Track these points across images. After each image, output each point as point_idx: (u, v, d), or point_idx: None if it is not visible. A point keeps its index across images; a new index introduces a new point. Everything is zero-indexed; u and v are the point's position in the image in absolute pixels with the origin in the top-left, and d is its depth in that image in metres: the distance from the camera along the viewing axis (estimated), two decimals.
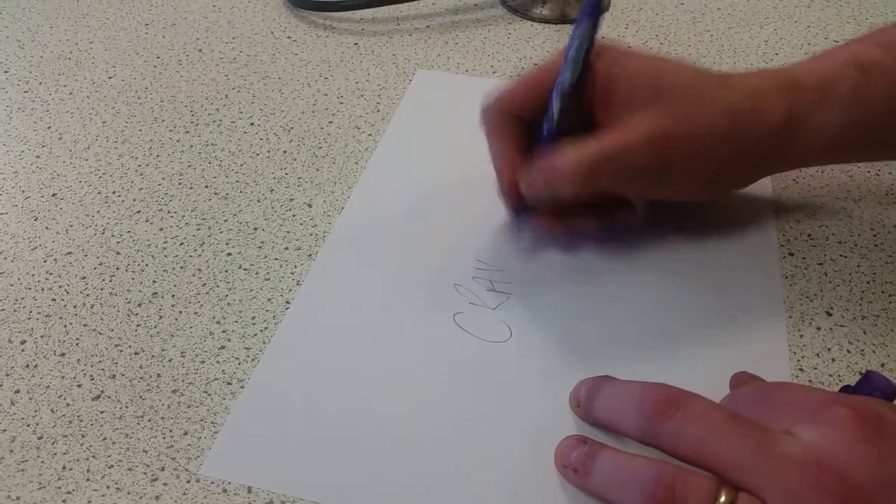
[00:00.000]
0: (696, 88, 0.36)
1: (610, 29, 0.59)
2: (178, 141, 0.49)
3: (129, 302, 0.39)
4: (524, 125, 0.38)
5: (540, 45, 0.57)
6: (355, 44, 0.58)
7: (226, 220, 0.43)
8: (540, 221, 0.40)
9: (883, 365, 0.36)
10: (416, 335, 0.37)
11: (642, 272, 0.40)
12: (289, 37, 0.59)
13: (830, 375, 0.35)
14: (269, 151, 0.48)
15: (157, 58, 0.57)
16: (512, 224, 0.42)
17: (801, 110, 0.37)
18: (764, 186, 0.44)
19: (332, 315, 0.38)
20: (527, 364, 0.36)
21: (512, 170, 0.38)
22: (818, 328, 0.37)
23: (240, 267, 0.41)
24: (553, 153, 0.35)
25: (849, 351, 0.36)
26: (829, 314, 0.38)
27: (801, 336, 0.37)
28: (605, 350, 0.36)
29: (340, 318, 0.38)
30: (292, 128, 0.50)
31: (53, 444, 0.33)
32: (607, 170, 0.35)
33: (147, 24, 0.61)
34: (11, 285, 0.40)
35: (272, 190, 0.45)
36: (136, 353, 0.36)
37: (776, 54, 0.55)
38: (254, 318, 0.38)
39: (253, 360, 0.36)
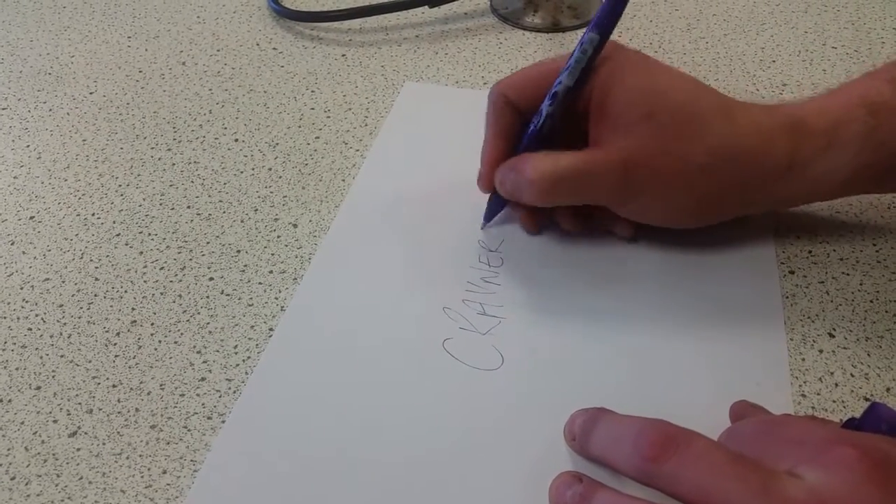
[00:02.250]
0: (691, 116, 0.35)
1: None
2: (159, 159, 0.48)
3: (107, 331, 0.38)
4: (520, 116, 0.38)
5: (532, 55, 0.56)
6: (343, 55, 0.57)
7: (208, 243, 0.42)
8: (515, 212, 0.41)
9: (888, 389, 0.35)
10: (404, 363, 0.35)
11: (638, 294, 0.38)
12: (275, 48, 0.58)
13: (834, 401, 0.34)
14: (253, 169, 0.47)
15: (140, 72, 0.56)
16: (486, 210, 0.41)
17: (807, 156, 0.36)
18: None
19: (317, 342, 0.36)
20: (519, 393, 0.34)
21: (493, 157, 0.38)
22: (820, 351, 0.36)
23: (222, 292, 0.39)
24: (525, 158, 0.36)
25: (853, 375, 0.35)
26: (832, 335, 0.37)
27: (803, 360, 0.36)
28: (601, 378, 0.35)
29: (326, 346, 0.36)
30: (278, 144, 0.49)
31: (27, 484, 0.32)
32: (571, 187, 0.36)
33: (130, 37, 0.59)
34: None
35: (256, 210, 0.44)
36: (113, 386, 0.35)
37: (773, 61, 0.54)
38: (236, 346, 0.37)
39: (234, 392, 0.35)
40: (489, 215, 0.42)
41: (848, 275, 0.39)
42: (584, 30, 0.58)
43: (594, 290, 0.39)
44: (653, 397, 0.34)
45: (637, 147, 0.35)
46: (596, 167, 0.35)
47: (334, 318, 0.37)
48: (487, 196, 0.41)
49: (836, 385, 0.35)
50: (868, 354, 0.36)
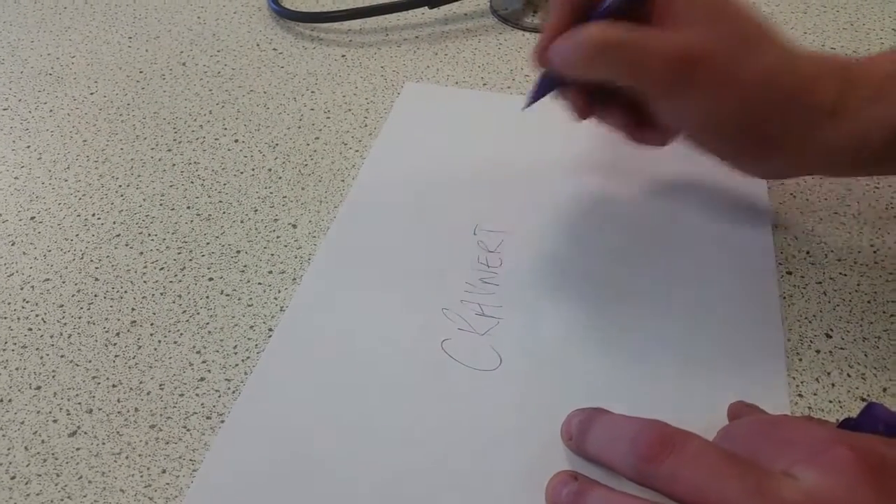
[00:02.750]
0: (756, 29, 0.33)
1: None
2: (160, 160, 0.48)
3: (107, 331, 0.38)
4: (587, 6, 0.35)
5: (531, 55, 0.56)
6: (343, 56, 0.57)
7: (208, 243, 0.42)
8: (564, 93, 0.38)
9: (885, 389, 0.35)
10: (403, 363, 0.36)
11: (635, 295, 0.39)
12: (275, 49, 0.58)
13: (830, 401, 0.34)
14: (253, 170, 0.47)
15: (140, 72, 0.56)
16: (533, 91, 0.38)
17: (853, 104, 0.33)
18: (761, 201, 0.43)
19: (316, 343, 0.37)
20: (517, 394, 0.34)
21: (555, 28, 0.35)
22: (817, 351, 0.36)
23: (221, 292, 0.39)
24: (591, 24, 0.33)
25: (849, 375, 0.35)
26: (829, 336, 0.37)
27: (801, 360, 0.36)
28: (598, 379, 0.35)
29: (325, 346, 0.36)
30: (277, 144, 0.49)
31: (27, 483, 0.32)
32: (621, 58, 0.33)
33: (130, 38, 0.60)
34: None
35: (256, 210, 0.44)
36: (113, 386, 0.35)
37: None
38: (235, 347, 0.37)
39: (234, 392, 0.35)
40: (535, 96, 0.38)
41: (845, 275, 0.39)
42: None
43: (592, 291, 0.39)
44: (650, 397, 0.34)
45: (697, 41, 0.32)
46: (651, 45, 0.32)
47: (333, 319, 0.38)
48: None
49: (833, 385, 0.35)
50: (865, 355, 0.36)
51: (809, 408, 0.34)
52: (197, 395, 0.35)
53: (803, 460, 0.25)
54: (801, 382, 0.35)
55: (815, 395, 0.34)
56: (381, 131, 0.49)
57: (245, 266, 0.41)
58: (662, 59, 0.33)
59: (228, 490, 0.31)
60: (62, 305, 0.39)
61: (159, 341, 0.37)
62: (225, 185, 0.46)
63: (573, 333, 0.37)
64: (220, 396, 0.35)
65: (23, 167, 0.48)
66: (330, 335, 0.37)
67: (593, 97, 0.37)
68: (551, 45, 0.35)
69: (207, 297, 0.39)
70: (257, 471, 0.32)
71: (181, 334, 0.37)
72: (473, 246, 0.41)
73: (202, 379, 0.35)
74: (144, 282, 0.40)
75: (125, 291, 0.40)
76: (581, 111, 0.38)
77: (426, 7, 0.59)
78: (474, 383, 0.35)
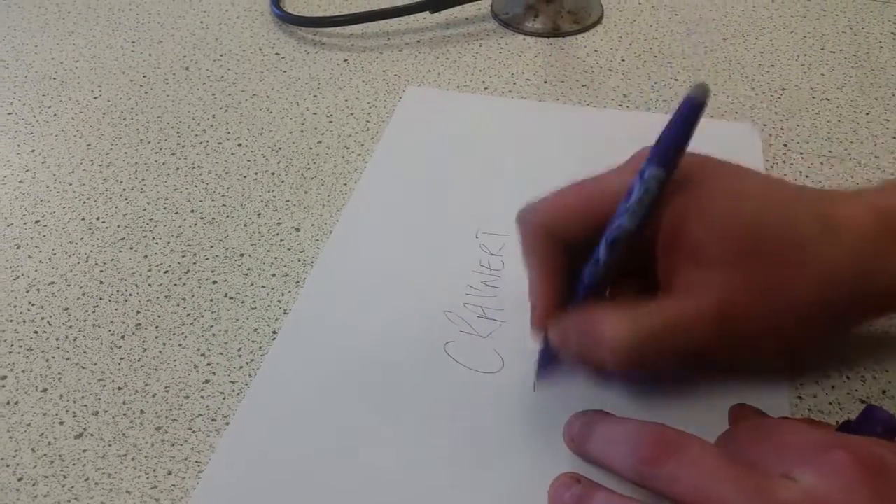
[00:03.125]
0: (792, 246, 0.29)
1: (603, 42, 0.58)
2: (163, 163, 0.48)
3: (112, 334, 0.38)
4: (565, 249, 0.32)
5: (532, 60, 0.56)
6: (345, 60, 0.57)
7: (212, 247, 0.42)
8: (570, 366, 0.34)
9: (884, 392, 0.35)
10: (405, 366, 0.36)
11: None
12: (277, 53, 0.58)
13: (830, 403, 0.34)
14: (256, 173, 0.47)
15: (144, 76, 0.56)
16: (540, 362, 0.35)
17: None
18: None
19: (320, 346, 0.37)
20: (519, 396, 0.35)
21: (546, 305, 0.32)
22: None
23: (225, 295, 0.40)
24: (596, 314, 0.30)
25: (848, 377, 0.35)
26: None
27: None
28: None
29: (328, 349, 0.37)
30: (280, 148, 0.49)
31: (34, 485, 0.32)
32: (660, 348, 0.29)
33: (133, 42, 0.60)
34: None
35: (259, 214, 0.44)
36: (119, 388, 0.36)
37: (772, 66, 0.55)
38: (239, 349, 0.37)
39: (238, 394, 0.35)
40: (546, 369, 0.34)
41: None
42: (583, 34, 0.58)
43: None
44: (652, 401, 0.34)
45: (733, 289, 0.29)
46: (687, 320, 0.29)
47: (336, 322, 0.38)
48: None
49: (833, 388, 0.35)
50: (864, 357, 0.36)
51: (809, 410, 0.34)
52: (202, 397, 0.35)
53: (802, 463, 0.25)
54: (801, 385, 0.35)
55: (814, 397, 0.35)
56: (382, 135, 0.49)
57: (249, 269, 0.41)
58: (704, 329, 0.29)
59: (233, 491, 0.31)
60: (67, 308, 0.39)
61: (164, 344, 0.37)
62: (228, 188, 0.46)
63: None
64: (224, 398, 0.35)
65: (27, 171, 0.48)
66: (333, 338, 0.37)
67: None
68: (553, 327, 0.31)
69: (212, 300, 0.39)
70: (262, 472, 0.32)
71: (186, 337, 0.38)
72: (475, 249, 0.41)
73: (207, 381, 0.36)
74: (149, 285, 0.40)
75: (130, 294, 0.40)
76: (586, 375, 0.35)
77: (428, 12, 0.59)
78: (477, 386, 0.35)
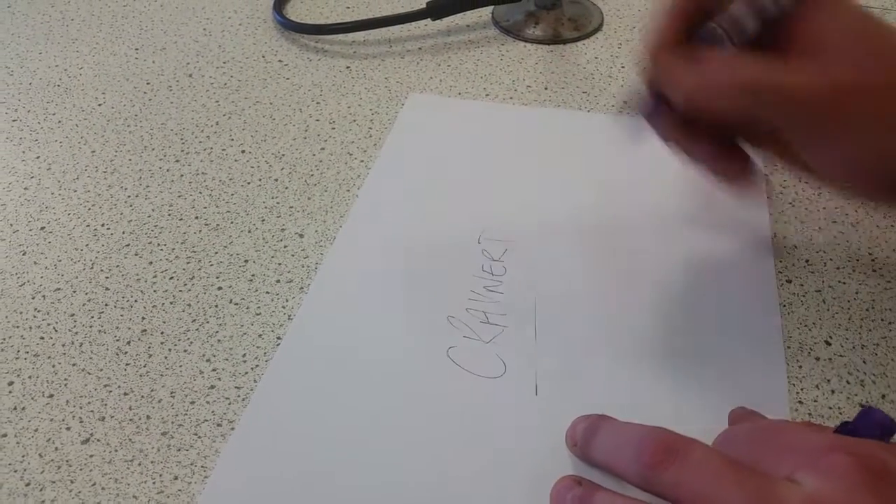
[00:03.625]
0: None
1: (603, 49, 0.58)
2: (168, 170, 0.48)
3: (118, 340, 0.38)
4: (703, 14, 0.32)
5: (533, 66, 0.56)
6: (347, 67, 0.57)
7: (216, 253, 0.43)
8: (659, 122, 0.35)
9: (884, 396, 0.35)
10: (409, 371, 0.36)
11: (639, 303, 0.39)
12: (280, 60, 0.59)
13: (830, 408, 0.35)
14: (260, 180, 0.48)
15: (147, 83, 0.56)
16: (630, 112, 0.35)
17: None
18: (761, 210, 0.44)
19: (324, 351, 0.37)
20: (522, 400, 0.35)
21: (665, 38, 0.32)
22: (817, 358, 0.37)
23: (230, 301, 0.40)
24: (710, 55, 0.31)
25: (848, 382, 0.36)
26: (829, 343, 0.37)
27: (801, 367, 0.36)
28: (602, 384, 0.36)
29: (332, 354, 0.37)
30: (284, 155, 0.49)
31: (41, 490, 0.32)
32: (766, 101, 0.30)
33: (137, 49, 0.60)
34: None
35: (263, 220, 0.45)
36: (125, 394, 0.36)
37: None
38: (244, 355, 0.37)
39: (243, 399, 0.35)
40: (648, 116, 0.35)
41: (844, 283, 0.40)
42: (584, 41, 0.59)
43: (595, 299, 0.39)
44: (653, 404, 0.35)
45: (853, 73, 0.29)
46: (802, 84, 0.29)
47: (340, 327, 0.38)
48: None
49: (833, 392, 0.35)
50: (864, 362, 0.37)
51: (809, 414, 0.35)
52: (207, 402, 0.35)
53: (804, 466, 0.25)
54: (802, 389, 0.35)
55: (815, 401, 0.35)
56: (385, 141, 0.50)
57: (253, 275, 0.41)
58: (815, 99, 0.29)
59: (238, 497, 0.32)
60: (73, 314, 0.40)
61: (170, 350, 0.38)
62: (232, 195, 0.46)
63: (577, 340, 0.37)
64: (230, 404, 0.35)
65: (32, 177, 0.48)
66: (336, 343, 0.37)
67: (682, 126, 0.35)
68: (672, 74, 0.32)
69: (216, 306, 0.40)
70: (266, 477, 0.32)
71: (191, 343, 0.38)
72: (478, 254, 0.42)
73: (212, 387, 0.36)
74: (154, 291, 0.41)
75: (135, 300, 0.40)
76: (671, 138, 0.35)
77: (429, 19, 0.59)
78: (479, 390, 0.35)
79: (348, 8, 0.64)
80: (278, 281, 0.41)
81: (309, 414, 0.35)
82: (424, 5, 0.59)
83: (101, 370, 0.37)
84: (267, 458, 0.33)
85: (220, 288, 0.41)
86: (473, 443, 0.33)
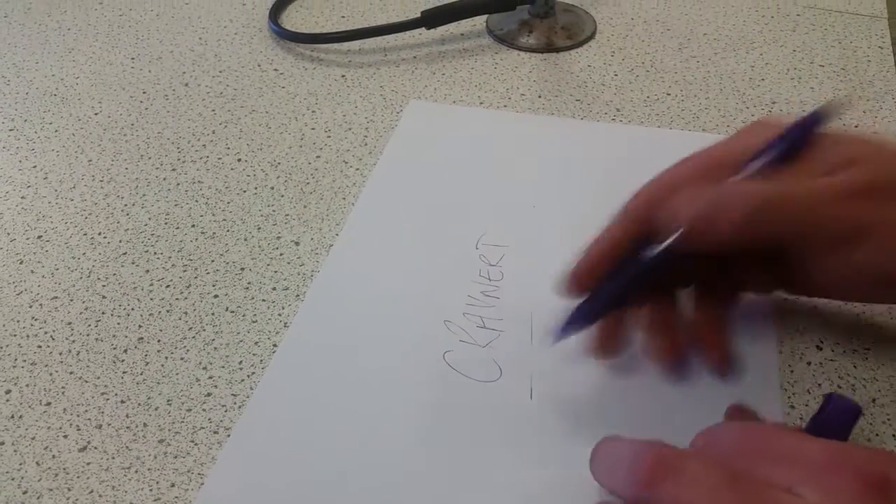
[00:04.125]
0: None
1: (596, 57, 0.59)
2: (164, 179, 0.49)
3: (115, 348, 0.39)
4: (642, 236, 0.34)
5: (526, 75, 0.57)
6: (342, 76, 0.58)
7: (212, 261, 0.43)
8: (602, 324, 0.35)
9: (874, 400, 0.36)
10: (405, 375, 0.37)
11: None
12: (276, 69, 0.59)
13: None
14: (256, 188, 0.48)
15: (144, 93, 0.57)
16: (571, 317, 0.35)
17: None
18: None
19: (320, 357, 0.37)
20: (516, 404, 0.35)
21: (600, 253, 0.34)
22: (808, 363, 0.37)
23: (226, 309, 0.40)
24: (733, 180, 0.32)
25: (840, 387, 0.36)
26: (819, 348, 0.38)
27: (792, 372, 0.37)
28: (596, 390, 0.36)
29: (328, 358, 0.37)
30: (279, 163, 0.50)
31: (39, 498, 0.33)
32: (789, 212, 0.30)
33: (133, 58, 0.61)
34: None
35: (259, 228, 0.45)
36: (122, 402, 0.36)
37: (762, 79, 0.56)
38: (241, 362, 0.38)
39: (240, 407, 0.36)
40: (571, 326, 0.34)
41: None
42: (576, 50, 0.59)
43: None
44: (646, 410, 0.35)
45: (869, 173, 0.30)
46: (821, 189, 0.30)
47: (336, 331, 0.38)
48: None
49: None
50: (854, 366, 0.37)
51: (801, 418, 0.35)
52: (204, 410, 0.36)
53: (806, 480, 0.24)
54: (794, 394, 0.36)
55: (806, 406, 0.35)
56: (385, 148, 0.50)
57: (249, 283, 0.42)
58: (836, 201, 0.30)
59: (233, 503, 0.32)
60: (70, 323, 0.40)
61: (166, 357, 0.38)
62: (228, 203, 0.47)
63: (572, 346, 0.38)
64: (226, 411, 0.35)
65: (29, 187, 0.48)
66: (333, 347, 0.38)
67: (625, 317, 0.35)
68: (682, 198, 0.32)
69: (213, 314, 0.40)
70: (262, 484, 0.32)
71: (188, 350, 0.38)
72: (476, 259, 0.42)
73: (209, 394, 0.36)
74: (151, 299, 0.41)
75: (132, 309, 0.40)
76: (616, 343, 0.35)
77: (424, 28, 0.60)
78: (474, 394, 0.36)
79: (343, 17, 0.65)
80: (274, 289, 0.41)
81: (305, 419, 0.35)
82: (419, 14, 0.59)
83: (99, 378, 0.37)
84: (262, 464, 0.33)
85: (216, 296, 0.41)
86: (469, 447, 0.34)
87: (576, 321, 0.34)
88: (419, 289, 0.41)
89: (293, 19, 0.64)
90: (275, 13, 0.64)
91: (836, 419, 0.28)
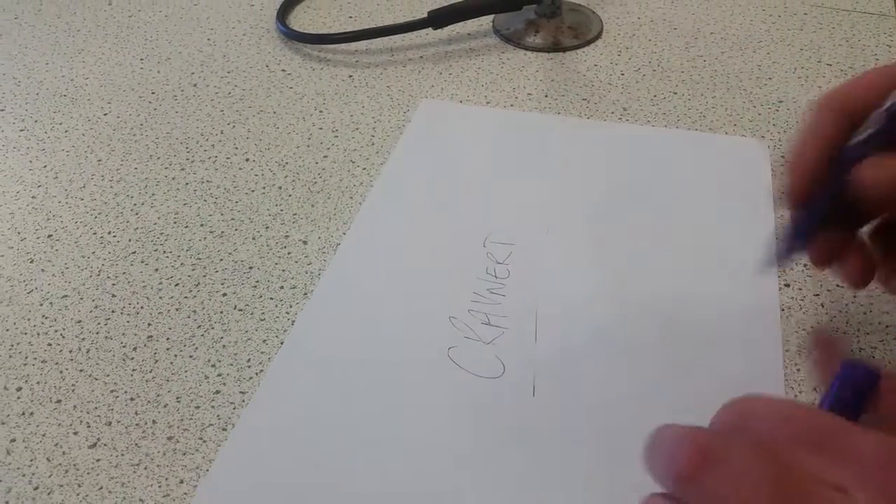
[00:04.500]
0: None
1: (602, 56, 0.59)
2: (173, 178, 0.49)
3: (124, 346, 0.39)
4: (850, 127, 0.32)
5: (533, 74, 0.57)
6: (350, 76, 0.58)
7: (221, 260, 0.43)
8: (816, 242, 0.34)
9: None
10: (410, 370, 0.37)
11: (638, 308, 0.40)
12: (283, 70, 0.59)
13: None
14: (264, 188, 0.48)
15: (153, 93, 0.57)
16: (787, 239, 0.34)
17: None
18: (764, 214, 0.44)
19: (326, 351, 0.38)
20: (519, 401, 0.36)
21: (811, 158, 0.33)
22: (816, 362, 0.37)
23: (235, 307, 0.40)
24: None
25: None
26: None
27: (798, 370, 0.37)
28: (599, 388, 0.36)
29: (333, 356, 0.37)
30: (287, 163, 0.50)
31: (49, 494, 0.33)
32: None
33: (142, 59, 0.61)
34: (7, 330, 0.40)
35: (267, 227, 0.45)
36: (131, 399, 0.36)
37: (769, 79, 0.56)
38: (249, 360, 0.38)
39: (248, 404, 0.36)
40: (790, 247, 0.34)
41: (842, 287, 0.40)
42: (583, 49, 0.59)
43: (596, 302, 0.40)
44: (650, 407, 0.35)
45: None
46: None
47: (342, 328, 0.39)
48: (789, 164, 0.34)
49: None
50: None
51: None
52: (212, 407, 0.36)
53: (856, 478, 0.23)
54: (800, 392, 0.36)
55: (812, 403, 0.35)
56: (395, 146, 0.50)
57: (257, 281, 0.42)
58: None
59: (235, 498, 0.32)
60: (80, 321, 0.40)
61: (175, 355, 0.38)
62: (237, 202, 0.47)
63: (577, 342, 0.38)
64: (234, 408, 0.36)
65: (40, 186, 0.49)
66: (338, 341, 0.38)
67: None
68: (864, 175, 0.30)
69: (221, 312, 0.40)
70: (264, 478, 0.33)
71: (196, 348, 0.38)
72: (483, 257, 0.42)
73: (217, 392, 0.37)
74: (160, 297, 0.41)
75: (141, 307, 0.41)
76: (827, 258, 0.34)
77: (431, 28, 0.60)
78: (478, 390, 0.36)
79: (351, 17, 0.65)
80: (282, 287, 0.42)
81: (309, 413, 0.35)
82: (426, 14, 0.59)
83: (108, 376, 0.38)
84: (265, 459, 0.33)
85: (224, 294, 0.41)
86: (470, 442, 0.34)
87: (798, 234, 0.33)
88: (426, 285, 0.41)
89: (301, 20, 0.65)
90: (282, 14, 0.64)
91: (851, 392, 0.27)
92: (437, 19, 0.60)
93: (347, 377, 0.37)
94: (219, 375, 0.37)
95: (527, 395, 0.36)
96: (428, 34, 0.62)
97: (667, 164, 0.48)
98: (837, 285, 0.41)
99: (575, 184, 0.47)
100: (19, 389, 0.37)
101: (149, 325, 0.40)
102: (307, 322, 0.39)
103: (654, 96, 0.54)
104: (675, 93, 0.54)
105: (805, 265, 0.42)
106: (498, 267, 0.42)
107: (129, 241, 0.45)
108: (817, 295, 0.40)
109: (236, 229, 0.45)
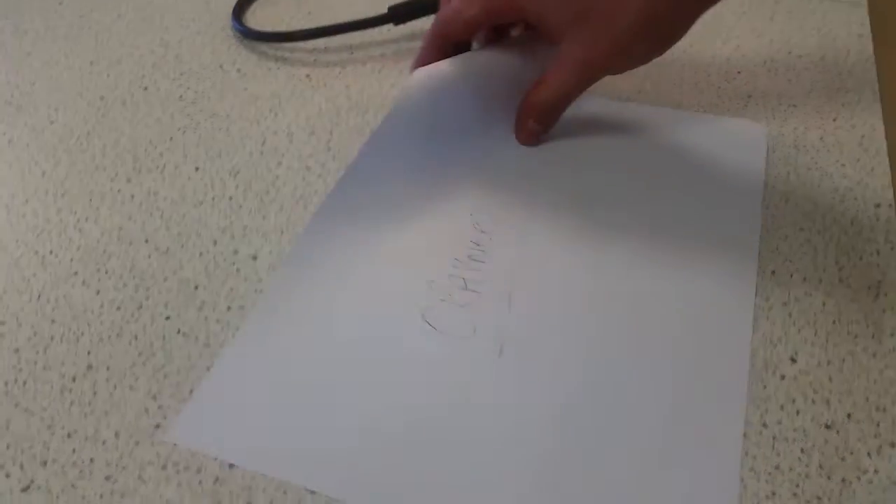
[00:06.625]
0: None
1: None
2: (119, 191, 0.47)
3: (62, 376, 0.37)
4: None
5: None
6: (307, 75, 0.56)
7: (165, 279, 0.41)
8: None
9: (849, 416, 0.34)
10: (381, 330, 0.38)
11: (616, 279, 0.40)
12: (238, 70, 0.57)
13: (795, 430, 0.34)
14: (213, 199, 0.46)
15: (101, 98, 0.55)
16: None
17: None
18: (755, 217, 0.43)
19: (298, 313, 0.39)
20: (484, 360, 0.36)
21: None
22: (782, 377, 0.36)
23: (178, 332, 0.39)
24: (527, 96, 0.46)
25: (814, 401, 0.35)
26: (794, 360, 0.36)
27: (765, 387, 0.35)
28: (562, 355, 0.37)
29: (306, 317, 0.39)
30: (239, 171, 0.48)
31: None
32: (579, 88, 0.45)
33: (92, 62, 0.59)
34: None
35: (216, 242, 0.43)
36: (69, 435, 0.35)
37: (738, 72, 0.54)
38: (191, 391, 0.36)
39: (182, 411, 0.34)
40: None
41: (810, 295, 0.39)
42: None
43: (573, 281, 0.40)
44: (613, 377, 0.36)
45: (585, 43, 0.43)
46: (569, 82, 0.45)
47: (318, 285, 0.40)
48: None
49: (798, 413, 0.34)
50: (829, 379, 0.36)
51: (774, 437, 0.34)
52: (152, 444, 0.34)
53: None
54: (766, 411, 0.35)
55: (779, 423, 0.34)
56: (388, 112, 0.51)
57: (203, 302, 0.40)
58: (583, 81, 0.45)
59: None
60: (17, 350, 0.38)
61: (115, 386, 0.36)
62: (184, 215, 0.45)
63: (548, 316, 0.38)
64: (175, 446, 0.34)
65: None
66: (313, 300, 0.39)
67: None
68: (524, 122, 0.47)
69: (164, 338, 0.38)
70: (237, 433, 0.34)
71: (137, 378, 0.37)
72: (468, 227, 0.43)
73: (158, 426, 0.35)
74: (101, 322, 0.39)
75: (81, 333, 0.39)
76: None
77: (391, 24, 0.58)
78: (446, 349, 0.37)
79: (309, 13, 0.63)
80: (229, 308, 0.40)
81: (282, 370, 0.36)
82: (386, 10, 0.57)
83: (45, 409, 0.36)
84: (240, 406, 0.35)
85: (168, 317, 0.39)
86: (434, 398, 0.35)
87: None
88: (409, 251, 0.42)
89: (258, 17, 0.62)
90: (238, 11, 0.62)
91: None
92: (398, 14, 0.58)
93: (320, 337, 0.38)
94: (160, 408, 0.36)
95: (493, 355, 0.36)
96: (388, 30, 0.60)
97: (640, 135, 0.49)
98: (806, 293, 0.39)
99: (562, 158, 0.47)
100: None
101: (88, 353, 0.38)
102: (281, 281, 0.41)
103: (619, 97, 0.52)
104: (640, 91, 0.53)
105: (773, 272, 0.40)
106: (482, 236, 0.42)
107: (71, 260, 0.43)
108: (785, 304, 0.39)
109: (182, 245, 0.43)
